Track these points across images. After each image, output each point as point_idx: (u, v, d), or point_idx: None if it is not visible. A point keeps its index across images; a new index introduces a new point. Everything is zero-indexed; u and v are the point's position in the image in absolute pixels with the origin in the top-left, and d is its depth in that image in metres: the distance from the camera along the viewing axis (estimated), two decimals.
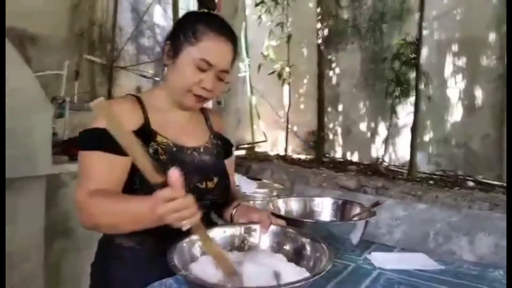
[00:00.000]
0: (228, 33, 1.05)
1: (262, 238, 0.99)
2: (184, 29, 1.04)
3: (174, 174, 0.72)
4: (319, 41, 4.53)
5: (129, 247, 1.05)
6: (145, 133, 1.01)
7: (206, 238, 0.83)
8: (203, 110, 1.25)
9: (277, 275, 0.84)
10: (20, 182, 1.70)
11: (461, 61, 4.10)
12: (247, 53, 5.13)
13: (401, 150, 4.41)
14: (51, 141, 1.88)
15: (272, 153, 5.11)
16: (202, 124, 1.21)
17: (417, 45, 3.77)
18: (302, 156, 4.99)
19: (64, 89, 2.87)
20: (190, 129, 1.13)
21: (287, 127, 4.86)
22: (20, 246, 1.73)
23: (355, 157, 4.86)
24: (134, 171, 0.98)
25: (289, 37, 4.67)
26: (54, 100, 2.48)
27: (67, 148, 2.23)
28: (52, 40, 3.08)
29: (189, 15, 1.11)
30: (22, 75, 1.71)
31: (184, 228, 0.76)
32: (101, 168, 0.95)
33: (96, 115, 0.97)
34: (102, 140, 0.94)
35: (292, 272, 0.85)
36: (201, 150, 1.12)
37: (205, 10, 1.10)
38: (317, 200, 1.37)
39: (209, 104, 3.26)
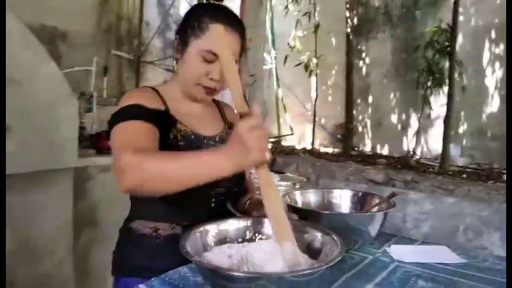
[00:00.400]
0: (234, 23, 1.05)
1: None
2: (190, 22, 1.04)
3: (258, 107, 0.77)
4: (348, 30, 4.43)
5: (145, 234, 1.06)
6: (168, 118, 1.03)
7: (269, 181, 0.80)
8: (216, 103, 1.26)
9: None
10: (48, 175, 1.77)
11: (499, 49, 3.89)
12: (273, 44, 5.09)
13: (434, 143, 4.26)
14: (77, 135, 1.93)
15: (298, 147, 5.06)
16: (217, 115, 1.23)
17: (451, 32, 3.61)
18: (330, 150, 4.92)
19: (93, 85, 2.96)
20: (205, 119, 1.15)
21: (314, 120, 4.80)
22: (50, 237, 1.80)
23: (385, 151, 4.74)
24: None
25: (316, 26, 4.59)
26: (82, 95, 2.56)
27: (94, 142, 2.30)
28: (81, 36, 3.17)
29: (195, 7, 1.13)
30: (48, 70, 1.77)
31: (268, 157, 0.76)
32: (140, 132, 0.93)
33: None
34: (136, 112, 0.96)
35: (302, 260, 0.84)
36: (217, 139, 1.13)
37: (212, 1, 1.10)
38: (336, 192, 1.33)
39: None
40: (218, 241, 0.91)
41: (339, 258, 0.75)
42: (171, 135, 1.02)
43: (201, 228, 0.90)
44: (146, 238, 1.06)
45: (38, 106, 1.61)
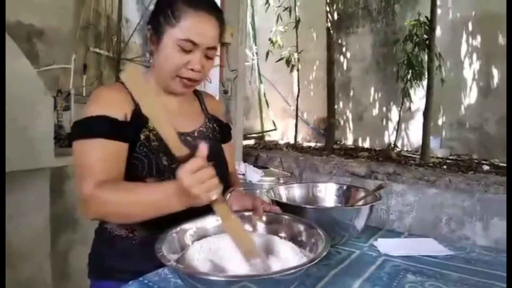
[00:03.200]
0: (209, 7, 0.99)
1: (257, 225, 0.95)
2: (163, 11, 0.97)
3: (203, 147, 0.75)
4: (329, 24, 4.42)
5: (121, 235, 1.02)
6: (137, 119, 0.97)
7: (227, 213, 0.80)
8: (196, 93, 1.21)
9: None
10: (23, 175, 1.70)
11: (476, 41, 3.95)
12: (254, 40, 5.05)
13: (414, 135, 4.31)
14: (53, 134, 1.86)
15: (282, 142, 5.06)
16: (196, 108, 1.17)
17: (430, 25, 3.65)
18: (313, 144, 4.93)
19: (72, 82, 2.87)
20: (182, 114, 1.09)
21: (296, 115, 4.79)
22: (26, 239, 1.73)
23: (366, 144, 4.78)
24: (128, 159, 0.95)
25: (297, 22, 4.57)
26: (59, 93, 2.48)
27: (70, 144, 2.23)
28: (59, 33, 3.07)
29: None
30: (21, 67, 1.69)
31: (213, 198, 0.75)
32: (103, 155, 0.90)
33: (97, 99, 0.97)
34: (100, 127, 0.91)
35: (290, 250, 0.82)
36: (195, 134, 1.08)
37: None
38: (321, 186, 1.32)
39: (216, 94, 3.23)
40: (196, 240, 0.88)
41: (324, 255, 0.73)
42: (142, 136, 0.97)
43: (178, 228, 0.87)
44: (122, 239, 1.02)
45: (10, 105, 1.54)
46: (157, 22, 0.98)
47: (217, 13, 1.00)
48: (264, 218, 0.96)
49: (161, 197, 0.81)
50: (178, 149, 0.75)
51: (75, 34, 3.23)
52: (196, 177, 0.73)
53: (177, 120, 1.05)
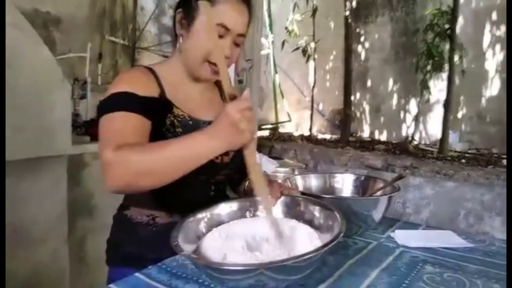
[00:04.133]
0: None
1: (274, 209, 0.95)
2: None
3: (247, 91, 0.81)
4: (347, 13, 4.34)
5: (141, 222, 1.03)
6: (163, 104, 0.97)
7: (255, 161, 0.83)
8: (217, 83, 1.20)
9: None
10: (41, 162, 1.72)
11: (500, 31, 3.83)
12: (270, 29, 5.00)
13: (433, 128, 4.23)
14: (71, 121, 1.88)
15: (296, 133, 5.02)
16: (217, 97, 1.17)
17: (452, 14, 3.54)
18: (328, 136, 4.88)
19: (88, 71, 2.89)
20: (204, 102, 1.08)
21: (312, 106, 4.74)
22: (44, 225, 1.77)
23: (383, 136, 4.71)
24: (157, 140, 0.92)
25: (314, 10, 4.49)
26: (76, 81, 2.50)
27: (89, 129, 2.25)
28: (75, 22, 3.10)
29: None
30: (39, 54, 1.71)
31: (255, 136, 0.78)
32: (126, 126, 0.87)
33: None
34: (124, 101, 0.90)
35: (306, 234, 0.84)
36: None
37: None
38: (338, 176, 1.30)
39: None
40: (211, 228, 0.88)
41: (339, 238, 0.71)
42: (167, 121, 0.96)
43: (196, 216, 0.88)
44: (142, 226, 1.02)
45: (29, 91, 1.56)
46: (189, 5, 0.98)
47: (248, 1, 1.01)
48: (281, 200, 0.97)
49: (200, 140, 0.79)
50: (229, 87, 0.82)
51: (90, 22, 3.25)
52: (244, 114, 0.76)
53: (199, 108, 1.05)
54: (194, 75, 1.03)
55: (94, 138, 2.19)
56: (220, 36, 0.95)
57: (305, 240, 0.81)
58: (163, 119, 0.96)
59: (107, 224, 1.11)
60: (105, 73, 3.22)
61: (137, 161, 0.78)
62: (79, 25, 3.17)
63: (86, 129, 2.26)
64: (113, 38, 3.46)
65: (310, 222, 0.89)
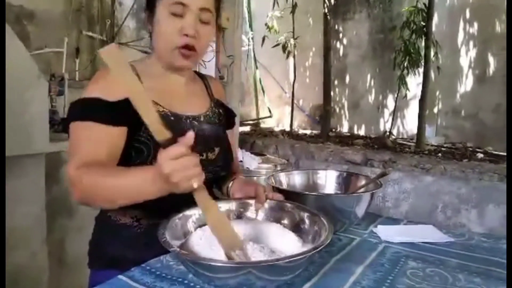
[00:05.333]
0: None
1: (259, 213, 0.95)
2: None
3: (190, 134, 0.71)
4: (325, 10, 4.37)
5: (125, 224, 1.01)
6: None
7: (208, 203, 0.77)
8: (202, 77, 1.19)
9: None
10: (18, 161, 1.67)
11: (473, 28, 3.94)
12: (250, 25, 4.99)
13: (410, 123, 4.32)
14: (48, 119, 1.83)
15: (277, 129, 5.04)
16: (202, 92, 1.15)
17: (427, 12, 3.62)
18: (308, 131, 4.92)
19: (65, 67, 2.81)
20: (188, 97, 1.07)
21: (292, 102, 4.77)
22: (21, 226, 1.72)
23: (362, 131, 4.79)
24: (130, 143, 0.93)
25: (294, 7, 4.51)
26: (52, 78, 2.43)
27: (67, 126, 2.20)
28: (50, 16, 3.00)
29: None
30: (14, 50, 1.65)
31: (195, 186, 0.72)
32: (92, 139, 0.88)
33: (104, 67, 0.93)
34: (93, 110, 0.89)
35: (292, 241, 0.82)
36: (201, 119, 1.06)
37: None
38: (321, 173, 1.32)
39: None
40: (199, 227, 0.88)
41: (327, 242, 0.72)
42: None
43: (181, 215, 0.87)
44: (126, 227, 1.01)
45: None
46: (150, 1, 0.99)
47: None
48: (266, 205, 0.96)
49: (139, 181, 0.80)
50: (159, 132, 0.71)
51: (67, 16, 3.16)
52: (176, 164, 0.70)
53: (183, 103, 1.03)
54: (169, 66, 1.01)
55: None
56: (180, 15, 0.94)
57: (288, 244, 0.81)
58: (140, 117, 0.95)
59: (87, 224, 1.09)
60: (83, 69, 3.14)
61: (91, 186, 0.84)
62: (55, 20, 3.08)
63: (64, 126, 2.20)
64: (90, 33, 3.37)
65: (295, 227, 0.88)
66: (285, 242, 0.84)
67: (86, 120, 0.89)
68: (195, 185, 0.72)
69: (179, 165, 0.70)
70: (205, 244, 0.81)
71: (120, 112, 0.90)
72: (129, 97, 0.71)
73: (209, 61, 3.07)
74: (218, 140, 1.07)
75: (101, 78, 0.96)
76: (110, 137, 0.90)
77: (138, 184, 0.80)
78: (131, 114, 0.92)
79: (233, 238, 0.78)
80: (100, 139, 0.89)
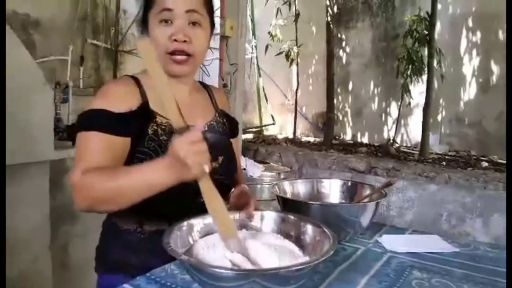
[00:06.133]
0: None
1: (263, 224, 0.95)
2: (143, 5, 1.02)
3: (201, 123, 0.81)
4: (328, 18, 4.40)
5: (129, 230, 1.01)
6: (144, 114, 0.97)
7: (211, 190, 0.80)
8: (206, 87, 1.20)
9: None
10: (23, 168, 1.68)
11: (476, 37, 3.95)
12: (253, 33, 5.02)
13: (413, 131, 4.32)
14: (52, 126, 1.84)
15: (280, 136, 5.05)
16: (206, 101, 1.16)
17: (430, 20, 3.64)
18: (311, 139, 4.92)
19: (69, 74, 2.84)
20: (193, 107, 1.07)
21: (295, 109, 4.78)
22: (26, 232, 1.72)
23: (365, 139, 4.78)
24: (132, 154, 0.94)
25: (297, 15, 4.54)
26: (57, 85, 2.45)
27: (71, 133, 2.21)
28: (56, 24, 3.03)
29: None
30: (20, 58, 1.67)
31: (207, 170, 0.76)
32: (97, 148, 0.90)
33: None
34: (98, 120, 0.91)
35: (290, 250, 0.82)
36: (206, 128, 1.07)
37: None
38: (325, 182, 1.31)
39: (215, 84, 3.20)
40: (203, 236, 0.88)
41: (332, 252, 0.72)
42: (150, 131, 0.96)
43: (185, 223, 0.87)
44: (130, 233, 1.01)
45: (9, 96, 1.51)
46: (142, 15, 1.02)
47: None
48: (270, 217, 0.96)
49: (151, 172, 0.81)
50: (177, 120, 0.78)
51: (72, 25, 3.19)
52: (192, 148, 0.74)
53: (188, 113, 1.03)
54: (168, 74, 1.01)
55: None
56: (168, 21, 0.96)
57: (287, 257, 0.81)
58: (145, 129, 0.96)
59: (90, 230, 1.09)
60: (87, 76, 3.17)
61: (98, 189, 0.83)
62: (60, 28, 3.10)
63: (68, 134, 2.22)
64: (95, 41, 3.39)
65: (299, 240, 0.88)
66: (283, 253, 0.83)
67: (91, 130, 0.91)
68: (207, 169, 0.76)
69: (194, 149, 0.74)
70: (208, 254, 0.80)
71: (124, 123, 0.93)
72: (155, 87, 0.79)
73: (209, 64, 3.09)
74: (222, 149, 1.08)
75: (107, 91, 0.98)
76: (114, 147, 0.92)
77: (151, 174, 0.81)
78: (134, 126, 0.94)
79: (230, 226, 0.81)
80: (104, 148, 0.90)
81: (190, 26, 0.97)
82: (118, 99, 0.95)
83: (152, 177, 0.81)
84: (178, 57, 0.97)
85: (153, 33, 0.97)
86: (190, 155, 0.74)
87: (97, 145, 0.90)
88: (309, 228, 0.88)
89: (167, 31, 0.96)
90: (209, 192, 0.80)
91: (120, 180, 0.83)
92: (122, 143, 0.93)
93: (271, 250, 0.79)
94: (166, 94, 0.78)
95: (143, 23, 1.02)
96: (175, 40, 0.96)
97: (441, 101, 4.13)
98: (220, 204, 0.81)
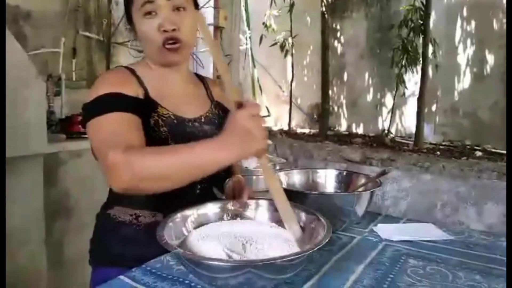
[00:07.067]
0: None
1: (257, 213, 0.95)
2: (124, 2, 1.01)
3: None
4: (323, 9, 4.37)
5: (124, 221, 1.01)
6: (147, 104, 0.96)
7: (271, 171, 0.80)
8: (201, 79, 1.19)
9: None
10: (15, 162, 1.66)
11: (471, 26, 3.94)
12: (248, 24, 4.97)
13: (408, 121, 4.33)
14: (45, 119, 1.82)
15: (275, 128, 5.05)
16: (202, 93, 1.15)
17: (425, 10, 3.63)
18: (306, 130, 4.93)
19: (62, 67, 2.80)
20: (189, 99, 1.07)
21: (290, 101, 4.77)
22: (20, 227, 1.71)
23: (360, 130, 4.79)
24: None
25: (291, 5, 4.51)
26: (49, 78, 2.42)
27: (64, 126, 2.19)
28: (47, 16, 2.99)
29: None
30: (11, 50, 1.64)
31: (270, 142, 0.75)
32: (125, 127, 0.85)
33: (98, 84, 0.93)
34: (117, 101, 0.88)
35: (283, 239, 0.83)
36: (202, 120, 1.06)
37: None
38: (321, 172, 1.31)
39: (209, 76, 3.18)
40: (197, 227, 0.87)
41: (327, 240, 0.72)
42: (151, 121, 0.95)
43: (179, 215, 0.86)
44: (125, 225, 1.00)
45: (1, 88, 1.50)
46: (126, 11, 1.02)
47: None
48: (263, 205, 0.96)
49: (213, 149, 0.75)
50: (236, 92, 0.77)
51: (63, 17, 3.15)
52: (256, 121, 0.73)
53: (183, 105, 1.03)
54: (162, 64, 1.01)
55: (70, 136, 2.13)
56: (153, 13, 0.95)
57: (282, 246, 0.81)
58: (147, 118, 0.95)
59: (85, 224, 1.09)
60: (80, 69, 3.13)
61: (145, 166, 0.76)
62: (52, 20, 3.06)
63: (61, 127, 2.20)
64: (87, 33, 3.35)
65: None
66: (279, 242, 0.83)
67: (109, 112, 0.86)
68: (270, 142, 0.75)
69: (258, 122, 0.73)
70: (203, 245, 0.80)
71: (135, 104, 0.91)
72: (213, 59, 0.86)
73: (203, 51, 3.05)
74: None
75: (111, 78, 0.97)
76: (137, 124, 0.89)
77: (214, 152, 0.75)
78: (142, 111, 0.92)
79: (288, 210, 0.82)
80: (131, 127, 0.87)
81: (175, 13, 0.96)
82: (123, 84, 0.93)
83: (213, 152, 0.74)
84: (171, 46, 0.97)
85: (141, 28, 0.96)
86: (256, 127, 0.72)
87: (124, 125, 0.86)
88: (304, 216, 0.88)
89: (153, 23, 0.95)
90: (268, 171, 0.80)
91: (171, 157, 0.76)
92: (140, 122, 0.90)
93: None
94: (223, 67, 0.79)
95: (129, 21, 1.01)
96: (165, 31, 0.95)
97: (435, 91, 4.14)
98: (279, 185, 0.83)
